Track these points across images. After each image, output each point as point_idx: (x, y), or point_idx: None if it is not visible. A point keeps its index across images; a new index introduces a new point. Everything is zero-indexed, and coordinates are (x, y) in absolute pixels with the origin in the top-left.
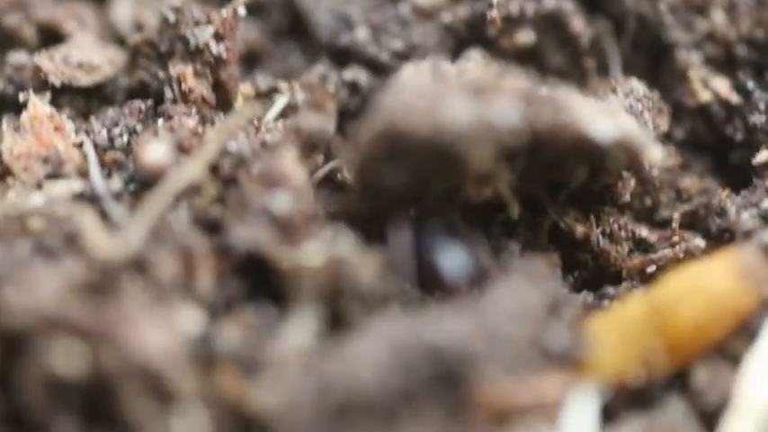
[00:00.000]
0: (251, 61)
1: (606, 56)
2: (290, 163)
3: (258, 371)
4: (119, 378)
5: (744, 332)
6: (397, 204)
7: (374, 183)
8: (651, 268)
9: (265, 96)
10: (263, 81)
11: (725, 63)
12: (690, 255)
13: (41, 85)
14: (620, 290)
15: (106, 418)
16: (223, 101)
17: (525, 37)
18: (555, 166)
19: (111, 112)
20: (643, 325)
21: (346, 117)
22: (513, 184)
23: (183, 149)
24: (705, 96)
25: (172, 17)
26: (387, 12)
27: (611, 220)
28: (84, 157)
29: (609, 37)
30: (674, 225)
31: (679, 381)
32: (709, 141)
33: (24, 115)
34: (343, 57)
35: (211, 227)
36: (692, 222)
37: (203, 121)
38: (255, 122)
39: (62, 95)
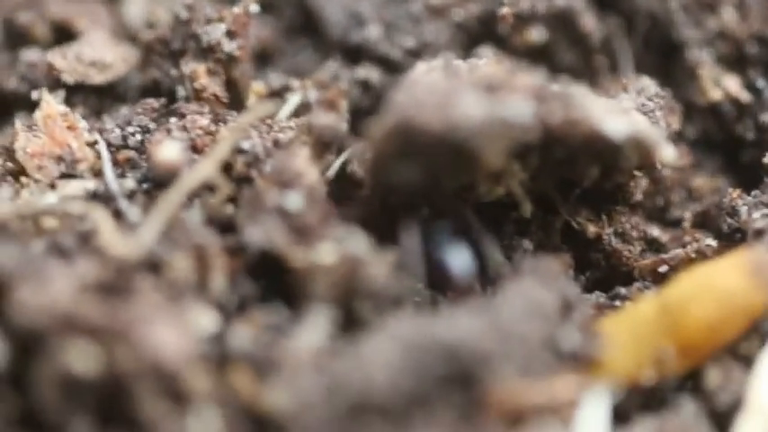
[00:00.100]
0: (263, 59)
1: (617, 54)
2: (303, 161)
3: (271, 371)
4: (133, 378)
5: (756, 332)
6: (409, 201)
7: (386, 179)
8: (663, 268)
9: (278, 94)
10: (276, 79)
11: (735, 61)
12: (701, 254)
13: (54, 83)
14: (631, 290)
15: (121, 417)
16: (236, 99)
17: (537, 35)
18: (567, 163)
19: (124, 111)
20: (655, 325)
21: (359, 115)
22: (526, 183)
23: (195, 148)
24: (716, 95)
25: (184, 15)
26: (398, 9)
27: (623, 220)
28: (98, 155)
29: (620, 35)
30: (686, 225)
31: (691, 381)
32: (720, 140)
33: (38, 114)
34: (355, 54)
35: (224, 226)
36: (704, 222)
37: (216, 119)
38: (268, 121)
39: (75, 93)
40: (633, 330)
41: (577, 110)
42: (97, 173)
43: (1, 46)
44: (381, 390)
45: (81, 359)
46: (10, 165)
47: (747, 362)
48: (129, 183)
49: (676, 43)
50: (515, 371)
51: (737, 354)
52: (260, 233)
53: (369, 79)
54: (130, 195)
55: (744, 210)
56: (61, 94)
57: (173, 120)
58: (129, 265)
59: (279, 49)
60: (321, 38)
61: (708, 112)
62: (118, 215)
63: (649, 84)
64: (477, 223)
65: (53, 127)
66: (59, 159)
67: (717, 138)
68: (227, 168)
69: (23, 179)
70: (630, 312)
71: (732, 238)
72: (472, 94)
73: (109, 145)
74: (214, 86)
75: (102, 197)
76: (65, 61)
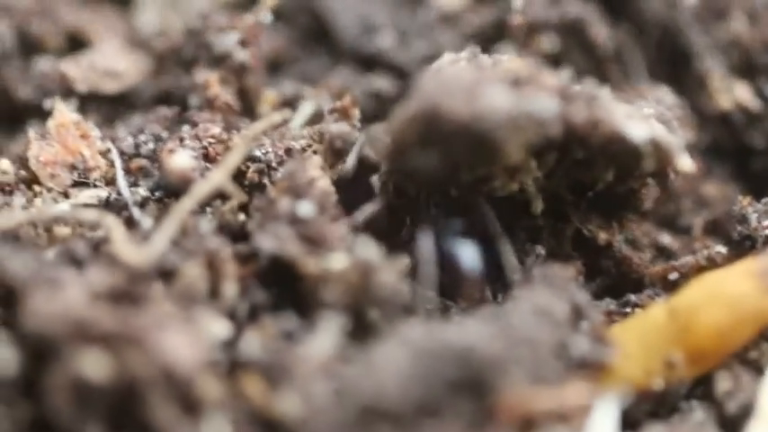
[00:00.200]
0: (276, 67)
1: (629, 63)
2: (315, 169)
3: (282, 378)
4: (145, 384)
5: (765, 339)
6: (424, 197)
7: (404, 165)
8: (673, 275)
9: (290, 103)
10: (288, 87)
11: (746, 69)
12: (711, 261)
13: (67, 91)
14: (642, 297)
15: (133, 424)
16: (248, 107)
17: (548, 43)
18: (584, 164)
19: (136, 119)
20: (665, 332)
21: (370, 123)
22: (539, 181)
23: (208, 156)
24: (726, 103)
25: (197, 24)
26: (411, 17)
27: (634, 227)
28: (110, 164)
29: (631, 44)
30: (696, 232)
31: (701, 388)
32: (730, 148)
33: (50, 122)
34: (367, 62)
35: (236, 233)
36: (714, 229)
37: (228, 127)
38: (280, 129)
39: (88, 102)
40: (643, 337)
41: (601, 110)
42: (110, 181)
43: (14, 54)
44: (392, 396)
45: (93, 366)
46: (23, 173)
47: (757, 368)
48: (142, 191)
49: (686, 52)
50: (525, 377)
51: (747, 360)
52: (272, 241)
53: (381, 87)
54: (143, 203)
55: (754, 217)
56: (74, 102)
57: (185, 128)
58: (141, 273)
59: (291, 57)
60: (333, 46)
61: (718, 120)
62: (130, 223)
63: (666, 93)
64: (494, 221)
65: (66, 135)
66: (72, 168)
67: (727, 145)
68: (239, 176)
69: (36, 187)
70: (640, 319)
71: (742, 245)
72: (499, 87)
73: (121, 153)
74: (226, 95)
75: (114, 205)
76: (78, 70)
